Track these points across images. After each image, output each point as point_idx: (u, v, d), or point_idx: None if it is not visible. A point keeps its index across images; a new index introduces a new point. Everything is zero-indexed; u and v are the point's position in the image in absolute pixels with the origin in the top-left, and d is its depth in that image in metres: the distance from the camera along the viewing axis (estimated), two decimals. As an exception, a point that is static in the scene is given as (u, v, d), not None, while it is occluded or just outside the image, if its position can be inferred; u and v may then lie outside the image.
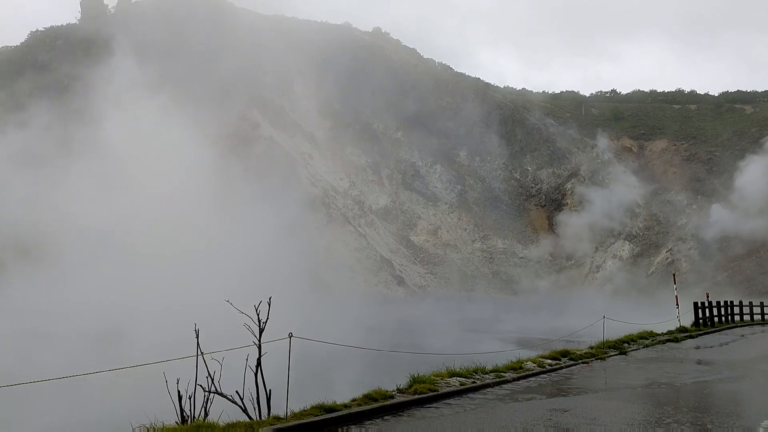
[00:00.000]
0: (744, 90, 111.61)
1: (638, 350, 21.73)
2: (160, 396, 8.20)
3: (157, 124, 63.44)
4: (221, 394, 8.08)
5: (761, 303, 40.90)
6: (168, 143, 60.88)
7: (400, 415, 10.82)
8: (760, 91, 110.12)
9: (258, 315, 8.37)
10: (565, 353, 18.82)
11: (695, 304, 33.38)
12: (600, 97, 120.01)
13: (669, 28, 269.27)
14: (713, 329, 31.80)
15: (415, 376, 13.22)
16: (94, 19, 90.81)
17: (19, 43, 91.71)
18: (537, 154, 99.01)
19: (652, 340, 24.16)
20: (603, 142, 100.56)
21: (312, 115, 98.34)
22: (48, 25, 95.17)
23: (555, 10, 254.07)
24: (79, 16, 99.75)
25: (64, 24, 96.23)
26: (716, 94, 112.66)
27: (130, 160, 56.55)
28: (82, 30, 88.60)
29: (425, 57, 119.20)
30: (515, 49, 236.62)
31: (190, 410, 7.87)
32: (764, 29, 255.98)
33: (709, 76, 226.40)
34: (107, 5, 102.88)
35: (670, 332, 27.30)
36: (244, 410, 8.15)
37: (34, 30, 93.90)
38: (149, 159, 57.62)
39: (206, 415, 8.00)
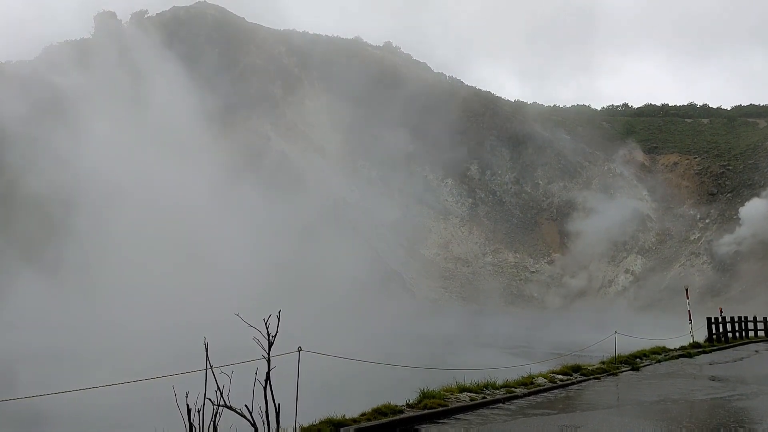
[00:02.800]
0: (757, 104, 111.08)
1: (651, 365, 21.53)
2: (169, 409, 8.19)
3: (171, 137, 63.93)
4: (230, 408, 8.05)
5: (775, 318, 40.41)
6: (181, 157, 61.31)
7: (409, 430, 10.75)
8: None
9: (267, 328, 8.35)
10: (576, 368, 18.67)
11: (708, 319, 33.08)
12: (611, 111, 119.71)
13: (668, 42, 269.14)
14: (727, 345, 31.47)
15: (425, 390, 13.14)
16: (108, 34, 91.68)
17: (33, 58, 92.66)
18: (548, 167, 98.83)
19: (665, 356, 23.92)
20: (614, 155, 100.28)
21: (323, 128, 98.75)
22: (62, 40, 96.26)
23: (552, 26, 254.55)
24: (92, 30, 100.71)
25: (78, 39, 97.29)
26: (729, 108, 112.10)
27: (136, 172, 56.96)
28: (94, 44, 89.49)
29: (436, 71, 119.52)
30: (515, 64, 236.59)
31: (199, 424, 7.85)
32: (762, 45, 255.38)
33: (711, 90, 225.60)
34: (120, 20, 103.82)
35: (683, 348, 27.04)
36: (253, 424, 8.12)
37: (47, 45, 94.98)
38: (161, 170, 58.00)
39: (215, 429, 7.97)
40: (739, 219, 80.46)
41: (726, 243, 79.77)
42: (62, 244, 53.03)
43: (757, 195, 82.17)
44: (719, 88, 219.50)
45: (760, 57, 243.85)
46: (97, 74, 72.60)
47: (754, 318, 39.40)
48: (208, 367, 8.20)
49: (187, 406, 7.79)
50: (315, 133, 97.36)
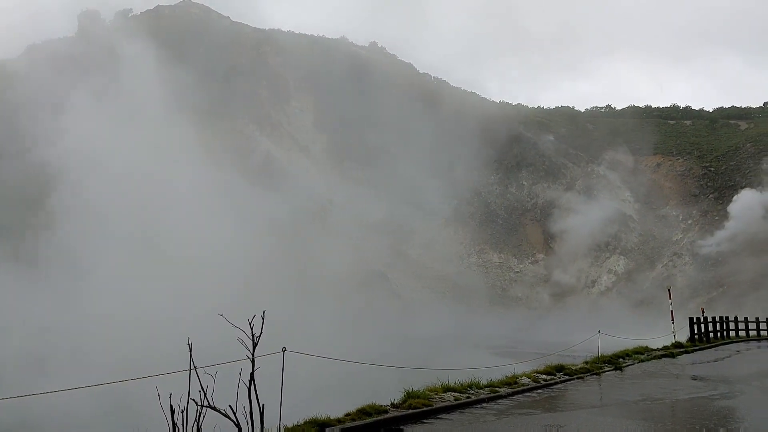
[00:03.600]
0: (738, 106, 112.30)
1: (633, 365, 21.69)
2: (153, 410, 8.15)
3: (155, 136, 63.51)
4: (214, 408, 8.02)
5: (756, 319, 40.89)
6: (165, 156, 60.95)
7: (394, 430, 10.76)
8: (754, 107, 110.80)
9: (251, 329, 8.33)
10: (560, 368, 18.77)
11: (691, 319, 33.39)
12: (595, 113, 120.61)
13: (650, 46, 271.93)
14: (709, 345, 31.78)
15: (410, 390, 13.16)
16: (91, 33, 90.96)
17: (16, 56, 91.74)
18: (532, 168, 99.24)
19: (648, 356, 24.11)
20: (598, 157, 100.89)
21: (308, 128, 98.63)
22: (46, 39, 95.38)
23: (536, 29, 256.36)
24: (76, 29, 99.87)
25: (61, 38, 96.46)
26: (711, 110, 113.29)
27: (123, 171, 56.53)
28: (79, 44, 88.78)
29: (421, 72, 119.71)
30: (500, 66, 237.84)
31: (183, 424, 7.82)
32: (741, 48, 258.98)
33: (693, 93, 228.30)
34: (104, 19, 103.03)
35: (665, 347, 27.28)
36: (237, 425, 8.09)
37: (30, 44, 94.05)
38: (146, 170, 57.63)
39: (199, 429, 7.94)
40: (728, 214, 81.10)
41: (708, 244, 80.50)
42: (40, 237, 52.52)
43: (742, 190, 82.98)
44: (701, 91, 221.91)
45: (740, 61, 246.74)
46: (79, 73, 71.99)
47: (736, 318, 39.83)
48: (192, 367, 8.16)
49: (171, 406, 7.75)
50: (300, 133, 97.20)
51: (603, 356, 21.61)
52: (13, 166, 62.63)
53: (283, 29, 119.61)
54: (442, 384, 14.42)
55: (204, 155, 66.77)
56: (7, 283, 44.25)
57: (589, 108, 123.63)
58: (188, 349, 8.21)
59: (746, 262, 75.29)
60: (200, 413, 7.98)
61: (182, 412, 7.79)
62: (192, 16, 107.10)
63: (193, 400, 7.98)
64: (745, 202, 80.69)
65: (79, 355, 31.76)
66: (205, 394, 8.00)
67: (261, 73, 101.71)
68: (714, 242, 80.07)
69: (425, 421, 11.65)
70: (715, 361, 24.69)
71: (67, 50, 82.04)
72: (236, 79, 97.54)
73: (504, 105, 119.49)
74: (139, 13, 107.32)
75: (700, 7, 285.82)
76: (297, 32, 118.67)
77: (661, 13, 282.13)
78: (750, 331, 39.98)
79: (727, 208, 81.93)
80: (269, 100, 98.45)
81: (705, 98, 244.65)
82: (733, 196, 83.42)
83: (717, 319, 36.74)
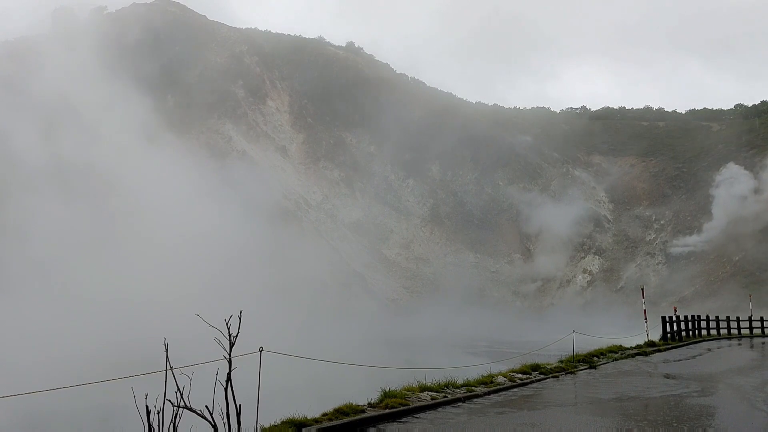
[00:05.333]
0: (710, 108, 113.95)
1: (607, 364, 21.92)
2: (128, 411, 8.10)
3: (130, 135, 62.92)
4: (191, 409, 7.98)
5: (727, 317, 41.55)
6: (138, 156, 60.39)
7: (370, 430, 10.79)
8: (725, 109, 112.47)
9: (228, 329, 8.31)
10: (535, 367, 18.91)
11: (663, 318, 33.80)
12: (570, 114, 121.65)
13: (623, 48, 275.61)
14: (681, 343, 32.21)
15: (387, 390, 13.19)
16: (66, 30, 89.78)
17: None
18: (508, 169, 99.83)
19: (621, 354, 24.38)
20: (573, 157, 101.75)
21: (285, 128, 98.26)
22: (18, 36, 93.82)
23: (513, 30, 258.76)
24: (50, 26, 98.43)
25: (35, 35, 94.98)
26: (683, 112, 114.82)
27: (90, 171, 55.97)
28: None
29: (398, 72, 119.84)
30: (476, 66, 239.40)
31: (159, 425, 7.77)
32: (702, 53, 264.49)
33: (667, 94, 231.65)
34: (78, 16, 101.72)
35: (638, 346, 27.59)
36: (214, 426, 8.07)
37: (2, 41, 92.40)
38: (120, 169, 57.08)
39: (175, 430, 7.90)
40: (702, 214, 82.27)
41: (680, 244, 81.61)
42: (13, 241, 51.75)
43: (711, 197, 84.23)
44: (674, 93, 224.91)
45: (710, 64, 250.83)
46: (53, 70, 71.06)
47: (707, 317, 40.42)
48: (168, 368, 8.12)
49: (146, 407, 7.71)
50: (277, 134, 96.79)
51: (578, 355, 21.81)
52: None
53: (260, 29, 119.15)
54: (419, 383, 14.47)
55: (178, 155, 66.24)
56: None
57: (564, 109, 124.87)
58: (164, 349, 8.18)
59: (717, 261, 76.42)
60: (176, 414, 7.94)
61: (158, 413, 7.75)
62: (168, 14, 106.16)
63: (169, 400, 7.94)
64: (720, 201, 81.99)
65: (52, 355, 31.34)
66: (181, 395, 7.97)
67: (237, 72, 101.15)
68: (686, 242, 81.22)
69: (402, 420, 11.68)
70: (687, 359, 25.03)
71: (41, 46, 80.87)
72: (212, 77, 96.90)
73: (480, 105, 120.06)
74: (114, 11, 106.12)
75: (671, 13, 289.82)
76: (274, 32, 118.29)
77: (634, 19, 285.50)
78: (721, 330, 40.62)
79: (699, 205, 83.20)
80: (245, 100, 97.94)
81: (678, 100, 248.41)
82: (704, 199, 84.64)
83: (689, 318, 37.24)
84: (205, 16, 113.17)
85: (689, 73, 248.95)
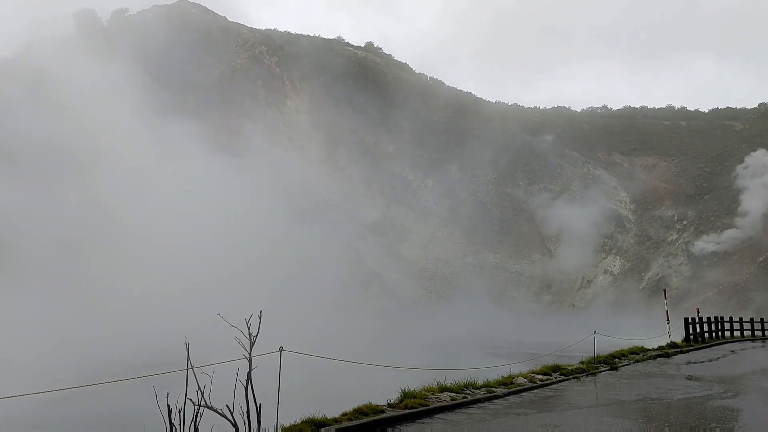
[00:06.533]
0: (733, 107, 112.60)
1: (629, 365, 21.71)
2: (150, 410, 8.15)
3: (152, 135, 63.42)
4: (211, 408, 8.03)
5: (751, 319, 41.05)
6: (160, 156, 60.86)
7: (389, 430, 10.77)
8: (749, 108, 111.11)
9: (249, 328, 8.34)
10: (556, 368, 18.78)
11: (686, 319, 33.44)
12: (591, 113, 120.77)
13: (646, 46, 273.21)
14: (703, 345, 31.84)
15: (406, 390, 13.17)
16: (88, 32, 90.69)
17: (11, 54, 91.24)
18: (528, 169, 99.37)
19: (643, 356, 24.14)
20: (594, 157, 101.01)
21: (304, 128, 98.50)
22: (42, 36, 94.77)
23: (533, 29, 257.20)
24: (73, 28, 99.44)
25: (58, 36, 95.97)
26: (706, 111, 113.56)
27: (120, 172, 56.47)
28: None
29: (417, 72, 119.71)
30: (496, 66, 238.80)
31: (180, 424, 7.82)
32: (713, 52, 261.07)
33: (692, 94, 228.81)
34: (101, 18, 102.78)
35: (660, 348, 27.31)
36: (234, 425, 8.10)
37: (27, 42, 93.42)
38: (142, 169, 57.57)
39: (196, 429, 7.94)
40: (726, 215, 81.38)
41: (703, 244, 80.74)
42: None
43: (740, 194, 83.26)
44: (694, 92, 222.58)
45: (739, 63, 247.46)
46: (76, 72, 71.78)
47: (730, 318, 39.93)
48: (189, 367, 8.16)
49: (168, 406, 7.76)
50: (296, 134, 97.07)
51: (599, 356, 21.64)
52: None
53: (280, 29, 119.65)
54: (438, 384, 14.43)
55: (198, 155, 66.61)
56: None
57: (585, 108, 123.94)
58: (185, 349, 8.22)
59: (741, 262, 75.53)
60: (197, 413, 7.98)
61: (179, 411, 7.80)
62: (189, 15, 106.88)
63: (191, 399, 7.99)
64: (748, 204, 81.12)
65: (75, 355, 31.66)
66: (202, 394, 8.01)
67: (257, 72, 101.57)
68: (709, 242, 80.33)
69: (421, 421, 11.65)
70: (710, 360, 24.74)
71: (64, 48, 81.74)
72: (232, 78, 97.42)
73: (500, 105, 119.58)
74: (135, 12, 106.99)
75: (696, 11, 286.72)
76: (293, 32, 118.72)
77: (656, 17, 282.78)
78: (745, 331, 40.12)
79: (722, 205, 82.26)
80: (265, 100, 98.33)
81: (697, 99, 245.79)
82: (728, 198, 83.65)
83: (712, 319, 36.81)
84: (225, 17, 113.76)
85: (708, 72, 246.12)
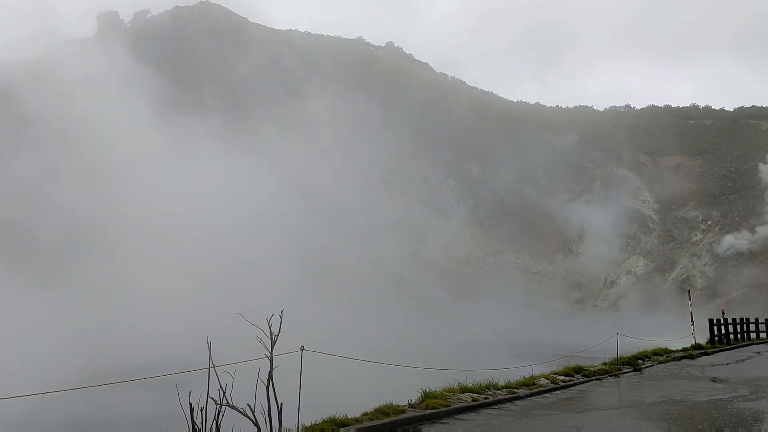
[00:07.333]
0: (759, 105, 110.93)
1: (652, 367, 21.49)
2: (172, 408, 8.20)
3: (173, 134, 63.93)
4: (233, 407, 8.06)
5: (777, 320, 40.39)
6: (179, 154, 61.31)
7: (410, 431, 10.75)
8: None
9: (270, 328, 8.36)
10: (578, 369, 18.64)
11: (711, 321, 33.04)
12: (614, 112, 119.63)
13: (669, 44, 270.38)
14: (729, 346, 31.44)
15: (427, 391, 13.14)
16: (111, 33, 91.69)
17: (35, 57, 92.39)
18: (550, 168, 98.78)
19: (667, 357, 23.88)
20: (617, 156, 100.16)
21: (324, 128, 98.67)
22: (65, 39, 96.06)
23: (553, 27, 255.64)
24: (95, 30, 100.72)
25: (81, 38, 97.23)
26: (731, 110, 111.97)
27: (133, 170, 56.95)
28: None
29: (438, 71, 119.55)
30: (517, 65, 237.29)
31: (202, 423, 7.86)
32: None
33: (715, 91, 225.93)
34: (123, 20, 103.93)
35: (685, 349, 27.00)
36: (255, 423, 8.12)
37: (49, 44, 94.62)
38: (161, 167, 58.03)
39: (218, 428, 7.98)
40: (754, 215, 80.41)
41: (728, 244, 79.75)
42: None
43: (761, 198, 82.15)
44: (722, 90, 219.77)
45: (764, 60, 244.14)
46: (98, 73, 72.58)
47: (756, 320, 39.35)
48: (211, 366, 8.20)
49: (190, 404, 7.79)
50: (316, 134, 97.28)
51: (622, 358, 21.45)
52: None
53: (300, 30, 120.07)
54: (459, 385, 14.38)
55: (218, 156, 67.03)
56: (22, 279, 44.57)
57: (608, 107, 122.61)
58: (207, 347, 8.27)
59: (767, 263, 74.49)
60: (219, 412, 8.02)
61: (201, 410, 7.83)
62: (210, 16, 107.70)
63: (212, 398, 8.02)
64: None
65: (93, 353, 32.01)
66: (224, 393, 8.04)
67: (277, 73, 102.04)
68: (734, 243, 79.33)
69: (442, 421, 11.62)
70: (735, 362, 24.42)
71: (87, 49, 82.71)
72: (253, 79, 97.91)
73: (521, 104, 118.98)
74: (157, 14, 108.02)
75: (721, 8, 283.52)
76: (313, 32, 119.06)
77: (681, 13, 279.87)
78: (771, 333, 39.53)
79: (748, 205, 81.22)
80: (285, 101, 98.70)
81: (725, 98, 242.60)
82: (753, 198, 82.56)
83: (737, 320, 36.32)
84: (246, 18, 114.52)
85: (733, 70, 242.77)
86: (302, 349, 9.85)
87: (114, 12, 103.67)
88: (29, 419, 21.73)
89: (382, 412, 11.38)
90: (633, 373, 19.85)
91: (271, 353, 8.45)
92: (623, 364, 20.82)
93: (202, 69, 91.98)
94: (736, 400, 14.51)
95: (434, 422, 11.48)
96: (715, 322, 32.97)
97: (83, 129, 62.28)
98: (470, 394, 13.95)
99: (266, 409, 8.25)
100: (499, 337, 54.59)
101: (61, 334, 35.30)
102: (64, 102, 66.22)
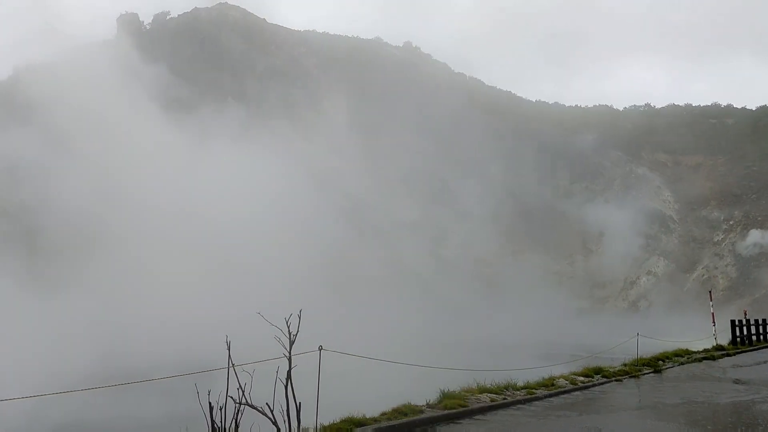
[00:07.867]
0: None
1: (673, 368, 21.30)
2: (192, 407, 8.27)
3: (191, 134, 64.37)
4: (252, 406, 8.11)
5: (801, 321, 39.82)
6: (197, 153, 61.70)
7: (429, 431, 10.75)
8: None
9: (288, 327, 8.40)
10: (597, 370, 18.53)
11: (732, 322, 32.68)
12: (633, 111, 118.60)
13: (691, 42, 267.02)
14: (751, 348, 31.07)
15: (445, 391, 13.13)
16: (130, 34, 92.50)
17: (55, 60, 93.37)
18: (569, 168, 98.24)
19: (688, 358, 23.66)
20: (637, 156, 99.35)
21: (342, 128, 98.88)
22: (85, 41, 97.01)
23: (570, 28, 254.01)
24: (115, 32, 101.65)
25: (101, 40, 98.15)
26: (754, 108, 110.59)
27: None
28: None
29: (456, 71, 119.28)
30: (536, 64, 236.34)
31: (221, 422, 7.92)
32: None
33: (736, 90, 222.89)
34: (143, 21, 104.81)
35: (706, 350, 26.73)
36: (274, 423, 8.16)
37: (69, 46, 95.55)
38: (177, 167, 58.43)
39: (237, 427, 8.03)
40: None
41: (750, 245, 78.80)
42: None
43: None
44: (743, 88, 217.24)
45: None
46: (116, 73, 73.22)
47: (779, 321, 38.85)
48: (230, 365, 8.26)
49: (210, 404, 7.85)
50: (334, 134, 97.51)
51: (642, 359, 21.28)
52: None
53: (318, 30, 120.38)
54: (478, 385, 14.35)
55: (237, 157, 67.38)
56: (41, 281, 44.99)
57: (627, 107, 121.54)
58: (226, 347, 8.32)
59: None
60: (238, 411, 8.07)
61: (221, 409, 7.89)
62: (229, 18, 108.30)
63: (231, 397, 8.08)
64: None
65: (110, 353, 32.28)
66: (243, 392, 8.09)
67: (296, 74, 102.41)
68: (757, 243, 78.38)
69: (460, 421, 11.60)
70: (757, 364, 24.13)
71: (107, 52, 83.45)
72: (271, 80, 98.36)
73: (540, 104, 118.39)
74: (176, 16, 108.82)
75: (743, 5, 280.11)
76: (331, 33, 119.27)
77: (701, 12, 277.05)
78: (794, 334, 38.99)
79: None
80: (304, 101, 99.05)
81: (747, 96, 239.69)
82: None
83: (760, 321, 35.89)
84: (264, 19, 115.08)
85: (755, 68, 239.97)
86: (320, 348, 9.88)
87: (134, 14, 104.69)
88: (42, 420, 21.98)
89: (400, 411, 11.38)
90: (653, 374, 19.69)
91: (290, 353, 8.48)
92: (643, 365, 20.66)
93: (220, 69, 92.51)
94: (758, 402, 14.35)
95: (452, 422, 11.47)
96: (737, 323, 32.60)
97: (99, 126, 62.81)
98: (489, 394, 13.92)
99: (285, 409, 8.29)
100: (517, 337, 54.36)
101: (76, 334, 35.57)
102: (80, 100, 66.82)
